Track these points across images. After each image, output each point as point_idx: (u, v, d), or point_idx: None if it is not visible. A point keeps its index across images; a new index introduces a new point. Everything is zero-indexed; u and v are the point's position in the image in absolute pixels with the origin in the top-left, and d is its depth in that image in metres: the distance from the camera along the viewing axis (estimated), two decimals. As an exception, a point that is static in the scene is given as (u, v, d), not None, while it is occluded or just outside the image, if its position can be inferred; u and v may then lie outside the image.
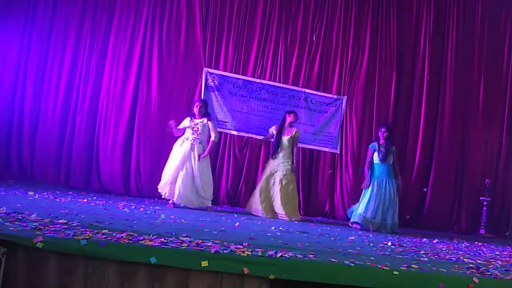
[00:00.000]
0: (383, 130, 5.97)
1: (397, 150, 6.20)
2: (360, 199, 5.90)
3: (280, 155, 6.04)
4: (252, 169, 7.10)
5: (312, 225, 5.60)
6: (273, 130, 6.18)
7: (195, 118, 5.85)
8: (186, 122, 5.86)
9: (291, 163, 6.02)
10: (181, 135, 5.86)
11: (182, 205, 5.72)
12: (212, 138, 5.85)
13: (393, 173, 5.89)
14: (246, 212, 6.01)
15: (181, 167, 5.65)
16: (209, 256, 2.60)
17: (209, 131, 5.85)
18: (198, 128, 5.78)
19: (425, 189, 7.29)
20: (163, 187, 5.71)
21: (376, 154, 5.91)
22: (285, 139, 6.06)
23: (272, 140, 6.24)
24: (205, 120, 5.84)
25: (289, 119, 6.13)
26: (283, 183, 5.93)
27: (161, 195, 5.84)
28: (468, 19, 7.76)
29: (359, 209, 5.76)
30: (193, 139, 5.75)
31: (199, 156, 5.71)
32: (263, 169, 6.49)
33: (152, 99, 6.87)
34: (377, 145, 5.93)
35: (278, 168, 6.00)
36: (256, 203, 5.94)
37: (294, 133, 6.09)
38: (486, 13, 7.79)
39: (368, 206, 5.69)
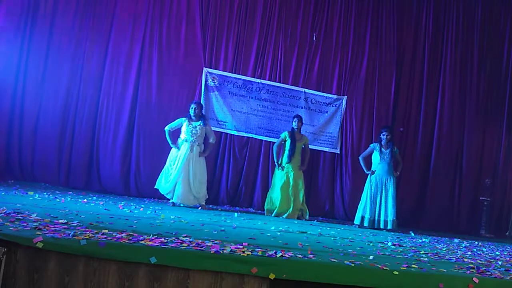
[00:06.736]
0: (385, 133, 6.21)
1: (399, 150, 6.51)
2: (361, 199, 6.20)
3: (294, 160, 6.31)
4: (252, 169, 7.10)
5: (312, 225, 5.61)
6: (286, 136, 6.38)
7: (192, 120, 5.99)
8: (184, 125, 6.00)
9: (300, 166, 6.36)
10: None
11: (181, 204, 5.86)
12: (211, 141, 6.16)
13: (392, 169, 6.17)
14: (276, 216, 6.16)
15: (182, 169, 5.82)
16: (209, 256, 2.60)
17: (206, 133, 6.08)
18: (197, 131, 5.94)
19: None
20: (171, 190, 5.85)
21: (377, 154, 6.19)
22: (299, 145, 6.37)
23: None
24: (201, 123, 6.01)
25: (294, 124, 6.41)
26: (301, 185, 6.27)
27: (161, 195, 6.04)
28: (467, 19, 7.77)
29: (361, 211, 6.11)
30: (192, 141, 5.91)
31: (199, 153, 5.95)
32: (272, 174, 6.69)
33: (152, 99, 6.87)
34: (378, 146, 6.20)
35: (293, 172, 6.27)
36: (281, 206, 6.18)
37: (305, 139, 6.47)
38: (485, 13, 7.79)
39: (367, 207, 6.07)
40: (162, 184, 5.93)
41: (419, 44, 7.67)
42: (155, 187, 6.02)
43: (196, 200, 5.90)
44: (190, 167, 5.86)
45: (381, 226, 5.95)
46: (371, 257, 3.15)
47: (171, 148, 6.04)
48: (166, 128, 6.04)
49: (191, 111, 6.00)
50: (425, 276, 2.83)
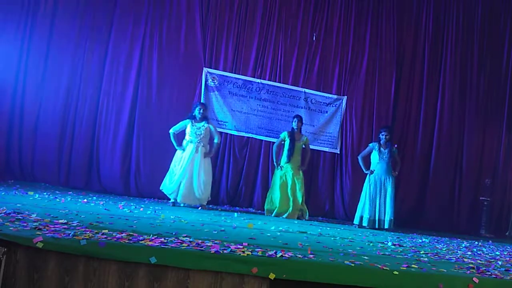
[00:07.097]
0: (384, 133, 6.20)
1: (397, 149, 6.48)
2: (360, 199, 6.19)
3: (293, 160, 6.30)
4: (252, 169, 7.10)
5: (312, 225, 5.61)
6: (286, 136, 6.39)
7: (196, 121, 5.99)
8: (188, 126, 6.00)
9: (300, 166, 6.36)
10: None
11: (182, 204, 5.89)
12: (216, 141, 6.12)
13: (391, 169, 6.17)
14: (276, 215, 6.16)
15: (187, 169, 5.83)
16: (209, 256, 2.60)
17: (210, 134, 6.04)
18: (201, 132, 5.95)
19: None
20: (175, 190, 5.86)
21: (376, 153, 6.18)
22: (298, 145, 6.37)
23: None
24: (205, 124, 6.00)
25: (294, 124, 6.42)
26: (300, 185, 6.23)
27: (161, 195, 6.09)
28: (467, 19, 7.77)
29: (361, 211, 6.11)
30: (196, 142, 5.93)
31: (205, 154, 5.95)
32: (272, 174, 6.68)
33: (152, 99, 6.87)
34: (377, 145, 6.19)
35: (292, 172, 6.26)
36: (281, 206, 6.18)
37: (305, 139, 6.45)
38: (485, 13, 7.79)
39: (366, 206, 6.07)
40: (167, 185, 5.93)
41: (419, 44, 7.67)
42: (160, 188, 6.02)
43: (198, 200, 5.91)
44: (195, 167, 5.86)
45: (380, 226, 5.96)
46: (366, 258, 3.14)
47: (172, 148, 6.04)
48: (171, 131, 6.04)
49: (197, 112, 6.00)
50: (425, 276, 2.83)
